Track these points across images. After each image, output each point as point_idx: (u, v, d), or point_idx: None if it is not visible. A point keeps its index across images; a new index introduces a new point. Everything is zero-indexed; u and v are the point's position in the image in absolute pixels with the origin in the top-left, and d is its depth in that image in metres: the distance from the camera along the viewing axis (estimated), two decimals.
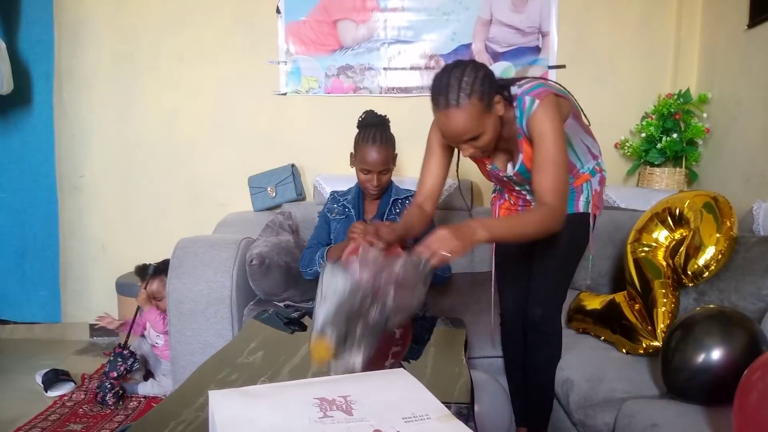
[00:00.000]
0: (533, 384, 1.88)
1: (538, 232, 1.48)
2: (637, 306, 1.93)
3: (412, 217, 1.67)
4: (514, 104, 1.55)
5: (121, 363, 2.42)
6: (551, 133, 1.50)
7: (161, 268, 2.60)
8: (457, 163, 1.74)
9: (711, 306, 1.65)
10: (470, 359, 2.04)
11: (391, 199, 2.21)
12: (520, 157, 1.62)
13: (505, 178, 1.74)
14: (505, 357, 2.01)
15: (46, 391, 2.53)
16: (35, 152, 3.06)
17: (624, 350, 1.88)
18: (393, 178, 2.24)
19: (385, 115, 2.17)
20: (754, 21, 2.43)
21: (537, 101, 1.51)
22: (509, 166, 1.70)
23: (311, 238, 2.28)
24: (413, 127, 2.91)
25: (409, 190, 2.29)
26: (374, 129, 2.10)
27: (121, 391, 2.44)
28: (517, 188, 1.79)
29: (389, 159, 2.12)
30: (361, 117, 2.16)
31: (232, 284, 2.24)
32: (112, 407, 2.38)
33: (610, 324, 1.97)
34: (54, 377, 2.57)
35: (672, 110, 2.77)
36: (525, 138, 1.58)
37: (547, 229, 1.48)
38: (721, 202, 1.93)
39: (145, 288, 2.62)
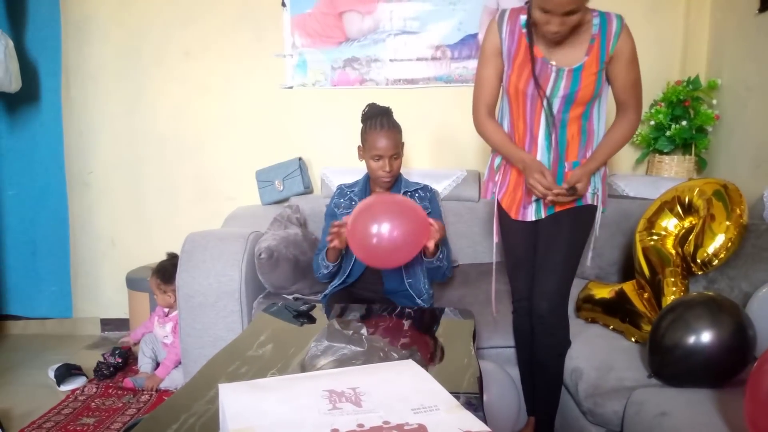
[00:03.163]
0: (541, 373, 1.88)
1: (624, 142, 1.79)
2: (645, 295, 1.93)
3: (502, 131, 1.82)
4: (594, 13, 1.69)
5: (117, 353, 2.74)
6: (637, 58, 1.74)
7: (158, 269, 2.63)
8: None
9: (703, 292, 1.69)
10: (479, 349, 2.04)
11: (401, 192, 2.20)
12: (584, 59, 1.69)
13: (551, 80, 1.70)
14: (516, 344, 2.02)
15: (59, 386, 2.57)
16: (44, 149, 3.08)
17: (633, 339, 1.87)
18: (401, 171, 2.23)
19: (388, 106, 2.16)
20: (766, 5, 2.39)
21: (624, 22, 1.69)
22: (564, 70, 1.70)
23: (321, 241, 2.24)
24: (420, 118, 2.93)
25: (418, 183, 2.28)
26: (380, 117, 2.09)
27: (113, 370, 2.68)
28: (544, 115, 1.73)
29: (398, 143, 2.11)
30: (364, 110, 2.15)
31: (242, 278, 2.25)
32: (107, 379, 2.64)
33: (619, 313, 1.97)
34: (66, 372, 2.60)
35: (681, 97, 2.74)
36: (597, 45, 1.68)
37: (629, 138, 1.79)
38: (731, 190, 1.91)
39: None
